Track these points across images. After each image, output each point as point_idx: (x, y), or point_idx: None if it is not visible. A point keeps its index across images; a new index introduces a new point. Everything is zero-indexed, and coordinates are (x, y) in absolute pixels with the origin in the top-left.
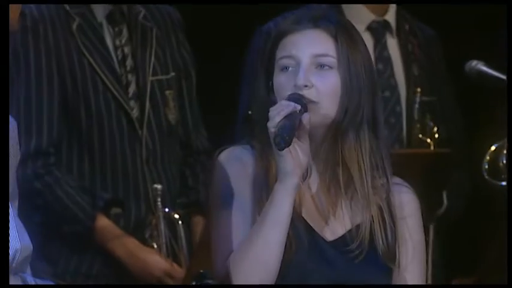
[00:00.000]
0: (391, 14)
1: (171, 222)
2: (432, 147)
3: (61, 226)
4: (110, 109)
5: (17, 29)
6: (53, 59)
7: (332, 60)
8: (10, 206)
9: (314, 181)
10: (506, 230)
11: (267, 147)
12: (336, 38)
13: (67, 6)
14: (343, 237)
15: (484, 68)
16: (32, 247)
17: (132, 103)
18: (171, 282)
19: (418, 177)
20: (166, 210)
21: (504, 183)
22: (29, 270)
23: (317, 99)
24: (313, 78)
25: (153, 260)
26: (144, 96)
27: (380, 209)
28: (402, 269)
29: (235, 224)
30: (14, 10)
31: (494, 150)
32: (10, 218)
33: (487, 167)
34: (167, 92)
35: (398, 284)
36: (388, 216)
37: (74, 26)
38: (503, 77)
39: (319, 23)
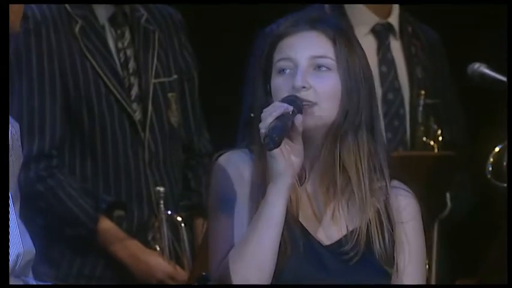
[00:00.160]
0: (394, 17)
1: (173, 225)
2: (436, 150)
3: (64, 229)
4: (113, 112)
5: (19, 31)
6: (55, 61)
7: (330, 61)
8: (12, 209)
9: (312, 184)
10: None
11: (265, 150)
12: (334, 40)
13: (69, 9)
14: (340, 241)
15: (487, 71)
16: (34, 251)
17: (134, 106)
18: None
19: (422, 179)
20: (169, 212)
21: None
22: (31, 274)
23: (315, 100)
24: (311, 79)
25: (156, 262)
26: (146, 98)
27: (378, 212)
28: (400, 272)
29: (231, 228)
30: (16, 12)
31: (498, 152)
32: (12, 222)
33: (490, 168)
34: (169, 95)
35: None
36: (386, 219)
37: (77, 28)
38: (505, 79)
39: (317, 25)
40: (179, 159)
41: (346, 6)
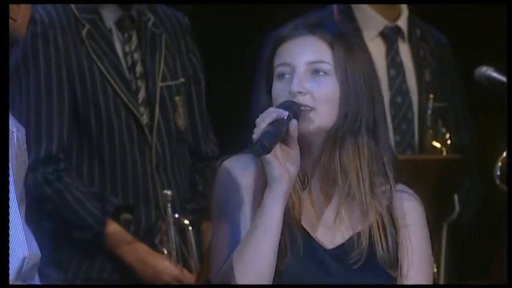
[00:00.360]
0: (403, 20)
1: (181, 228)
2: (444, 153)
3: (71, 232)
4: (120, 115)
5: (26, 35)
6: (63, 65)
7: (328, 66)
8: (18, 213)
9: (313, 189)
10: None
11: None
12: (331, 45)
13: (76, 12)
14: (342, 245)
15: (494, 74)
16: (40, 254)
17: (141, 109)
18: None
19: (430, 183)
20: (176, 216)
21: None
22: (37, 277)
23: (313, 105)
24: (308, 84)
25: (163, 265)
26: (153, 102)
27: (381, 216)
28: (404, 276)
29: (233, 233)
30: (24, 16)
31: (506, 156)
32: (18, 225)
33: (498, 172)
34: (176, 98)
35: None
36: (390, 223)
37: (84, 32)
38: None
39: (315, 30)
40: (186, 162)
41: (355, 9)
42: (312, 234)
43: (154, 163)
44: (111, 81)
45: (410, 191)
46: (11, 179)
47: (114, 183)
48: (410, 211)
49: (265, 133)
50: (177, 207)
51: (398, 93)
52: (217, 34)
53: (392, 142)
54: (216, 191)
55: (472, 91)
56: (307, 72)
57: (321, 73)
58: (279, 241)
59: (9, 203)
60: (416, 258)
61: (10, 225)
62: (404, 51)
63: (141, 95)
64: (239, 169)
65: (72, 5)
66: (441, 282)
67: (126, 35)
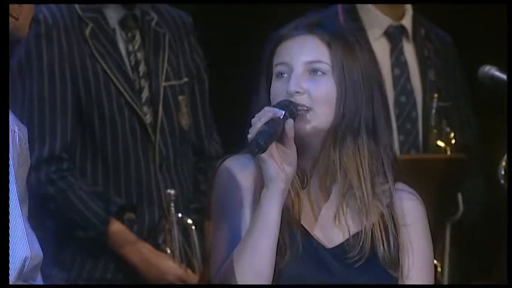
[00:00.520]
0: (407, 19)
1: (184, 228)
2: (449, 153)
3: (74, 231)
4: (123, 115)
5: (28, 35)
6: (66, 64)
7: (325, 66)
8: (20, 213)
9: (313, 188)
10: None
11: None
12: (329, 44)
13: (80, 12)
14: (343, 244)
15: (497, 73)
16: (42, 255)
17: (145, 109)
18: None
19: (434, 182)
20: (180, 215)
21: None
22: (39, 277)
23: (310, 105)
24: (306, 84)
25: (167, 265)
26: (157, 101)
27: (381, 215)
28: (405, 276)
29: (232, 234)
30: (26, 15)
31: (507, 156)
32: (20, 226)
33: (503, 172)
34: (180, 98)
35: None
36: (390, 223)
37: (87, 32)
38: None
39: (314, 30)
40: (190, 162)
41: (360, 8)
42: (311, 233)
43: (157, 163)
44: (115, 80)
45: (410, 189)
46: (12, 178)
47: (118, 183)
48: (411, 210)
49: (260, 132)
50: (181, 206)
51: (403, 92)
52: (220, 33)
53: (396, 141)
54: (216, 191)
55: (476, 90)
56: (305, 72)
57: (319, 73)
58: (277, 240)
59: (11, 203)
60: (417, 258)
61: (11, 225)
62: (409, 50)
63: (145, 94)
64: (238, 169)
65: (76, 5)
66: (445, 282)
67: (129, 35)
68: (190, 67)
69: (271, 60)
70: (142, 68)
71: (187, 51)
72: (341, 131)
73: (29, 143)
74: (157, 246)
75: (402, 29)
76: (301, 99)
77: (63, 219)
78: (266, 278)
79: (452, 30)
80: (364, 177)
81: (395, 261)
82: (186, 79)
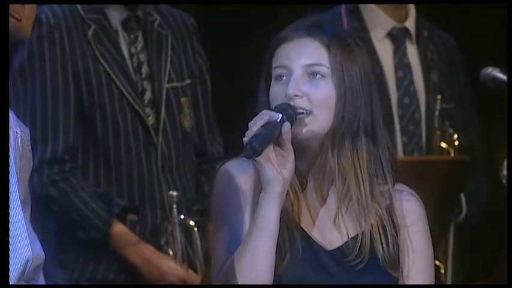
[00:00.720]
0: (411, 21)
1: (186, 229)
2: (452, 154)
3: (77, 232)
4: (126, 116)
5: (31, 36)
6: (69, 65)
7: (324, 69)
8: (22, 214)
9: (312, 190)
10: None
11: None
12: (328, 47)
13: (82, 13)
14: (342, 246)
15: (499, 75)
16: (44, 256)
17: (147, 110)
18: None
19: (438, 183)
20: (182, 217)
21: None
22: (42, 277)
23: (309, 108)
24: (305, 87)
25: (169, 266)
26: (159, 103)
27: (380, 217)
28: (405, 277)
29: (231, 237)
30: (29, 16)
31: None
32: (22, 227)
33: (505, 173)
34: (182, 99)
35: None
36: (389, 224)
37: (90, 33)
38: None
39: (313, 32)
40: (192, 163)
41: (363, 10)
42: (311, 236)
43: (160, 164)
44: (117, 82)
45: (409, 190)
46: (15, 179)
47: (120, 184)
48: (410, 211)
49: (256, 136)
50: (183, 208)
51: (406, 94)
52: (223, 35)
53: (399, 143)
54: (215, 194)
55: (479, 92)
56: (304, 75)
57: (318, 76)
58: (276, 243)
59: (13, 204)
60: (418, 258)
61: (13, 226)
62: (412, 52)
63: (147, 96)
64: (237, 172)
65: (78, 6)
66: (448, 283)
67: (132, 36)
68: (192, 69)
69: (270, 63)
70: (144, 69)
71: (190, 52)
72: (340, 133)
73: (31, 144)
74: (160, 248)
75: (405, 30)
76: (300, 103)
77: (66, 220)
78: (266, 281)
79: (453, 32)
80: (362, 180)
81: (396, 262)
82: (188, 81)
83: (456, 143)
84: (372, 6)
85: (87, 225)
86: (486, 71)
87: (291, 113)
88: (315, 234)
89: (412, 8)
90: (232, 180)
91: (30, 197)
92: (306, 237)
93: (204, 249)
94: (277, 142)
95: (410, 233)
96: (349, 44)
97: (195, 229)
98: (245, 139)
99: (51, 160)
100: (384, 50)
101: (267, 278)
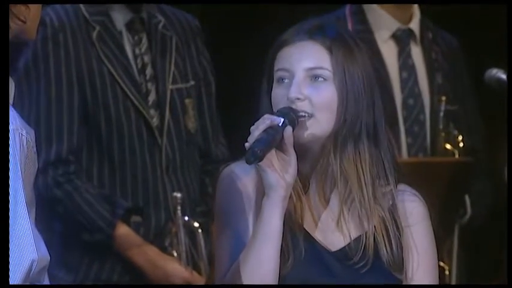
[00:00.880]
0: (415, 22)
1: (190, 231)
2: (456, 156)
3: (81, 234)
4: (130, 117)
5: (36, 38)
6: (73, 67)
7: (326, 72)
8: (27, 216)
9: (315, 192)
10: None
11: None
12: (330, 50)
13: (87, 15)
14: (345, 248)
15: (503, 76)
16: (49, 257)
17: (152, 112)
18: None
19: (442, 185)
20: (186, 218)
21: None
22: (46, 279)
23: (311, 111)
24: (307, 90)
25: (173, 268)
26: (163, 104)
27: (382, 219)
28: (409, 278)
29: (235, 241)
30: (34, 18)
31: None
32: (27, 228)
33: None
34: (187, 101)
35: None
36: (392, 225)
37: (94, 35)
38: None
39: (315, 35)
40: (196, 165)
41: (367, 12)
42: (315, 238)
43: (164, 165)
44: (121, 83)
45: (412, 191)
46: (20, 181)
47: (124, 186)
48: (413, 212)
49: (258, 141)
50: (187, 209)
51: (411, 95)
52: (227, 36)
53: (404, 144)
54: (218, 197)
55: (483, 93)
56: (306, 78)
57: (320, 79)
58: (280, 247)
59: (18, 206)
60: (421, 259)
61: (19, 228)
62: (417, 53)
63: (151, 97)
64: (240, 175)
65: (83, 8)
66: (453, 283)
67: (136, 37)
68: (197, 70)
69: (272, 65)
70: (149, 71)
71: (194, 54)
72: (342, 136)
73: (36, 146)
74: (164, 249)
75: (410, 32)
76: (302, 106)
77: (70, 222)
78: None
79: (454, 33)
80: (365, 182)
81: (400, 264)
82: (192, 82)
83: (461, 144)
84: (377, 7)
85: (92, 226)
86: (490, 73)
87: (292, 117)
88: (318, 236)
89: (416, 9)
90: (236, 183)
91: (35, 199)
92: (308, 238)
93: (208, 251)
94: (279, 146)
95: (413, 233)
96: (351, 46)
97: (199, 230)
98: (247, 144)
99: (56, 162)
100: (389, 52)
101: (271, 282)
